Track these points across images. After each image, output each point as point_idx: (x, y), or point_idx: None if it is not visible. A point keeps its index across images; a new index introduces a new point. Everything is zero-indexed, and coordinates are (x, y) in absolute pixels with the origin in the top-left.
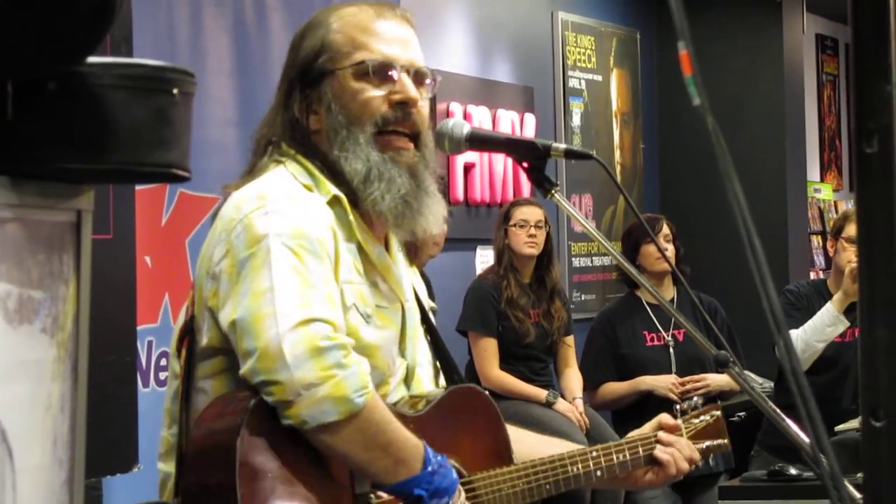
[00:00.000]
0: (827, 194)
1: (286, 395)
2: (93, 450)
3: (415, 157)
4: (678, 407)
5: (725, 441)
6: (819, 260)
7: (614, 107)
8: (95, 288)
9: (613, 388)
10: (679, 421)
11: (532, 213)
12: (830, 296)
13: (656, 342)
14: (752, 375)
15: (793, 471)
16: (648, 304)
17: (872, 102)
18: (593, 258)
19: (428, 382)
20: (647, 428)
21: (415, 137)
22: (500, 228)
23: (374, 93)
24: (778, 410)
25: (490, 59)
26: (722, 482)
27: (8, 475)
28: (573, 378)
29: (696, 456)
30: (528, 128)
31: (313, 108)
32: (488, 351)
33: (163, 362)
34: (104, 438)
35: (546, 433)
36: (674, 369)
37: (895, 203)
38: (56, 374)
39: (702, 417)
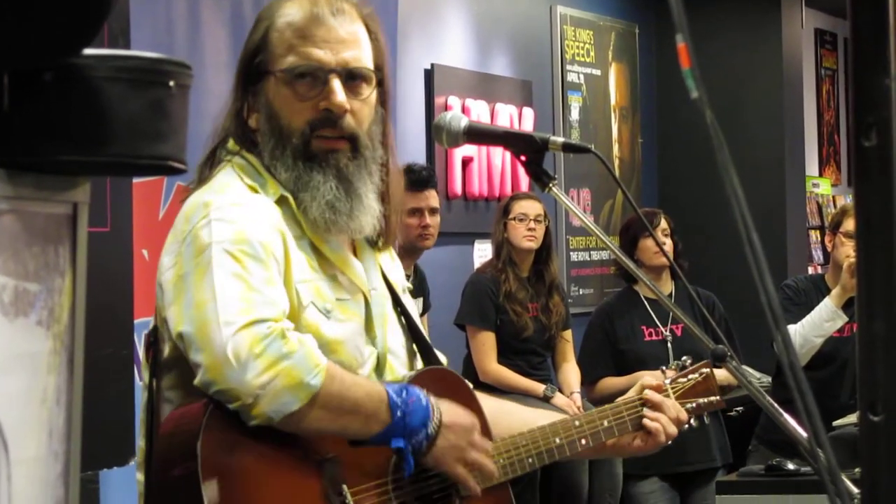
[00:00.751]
0: (825, 189)
1: (244, 398)
2: (89, 443)
3: (345, 159)
4: (664, 368)
5: (717, 398)
6: (817, 255)
7: (613, 101)
8: (92, 281)
9: (611, 383)
10: (665, 381)
11: (531, 207)
12: (829, 290)
13: (654, 337)
14: (751, 370)
15: (791, 465)
16: (646, 298)
17: (871, 96)
18: (591, 252)
19: (402, 369)
20: (631, 392)
21: (351, 139)
22: (500, 222)
23: (302, 101)
24: (775, 405)
25: (489, 54)
26: (720, 477)
27: (3, 467)
28: (571, 372)
29: (683, 416)
30: (526, 122)
31: (253, 107)
32: (486, 345)
33: None
34: (101, 431)
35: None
36: (672, 364)
37: (893, 197)
38: (52, 367)
39: (690, 376)
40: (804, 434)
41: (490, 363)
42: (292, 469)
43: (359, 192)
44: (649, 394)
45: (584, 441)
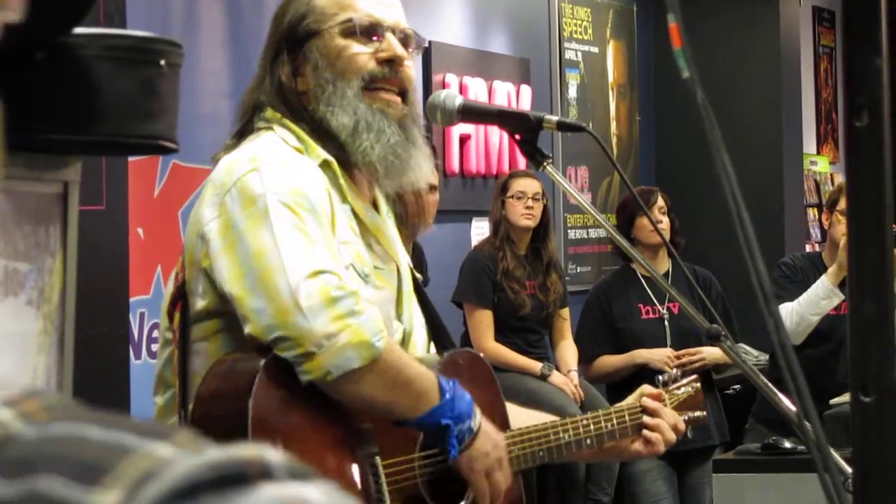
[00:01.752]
0: (823, 167)
1: (307, 346)
2: None
3: (403, 111)
4: (659, 378)
5: (703, 413)
6: (815, 233)
7: (610, 79)
8: (87, 259)
9: (609, 362)
10: (661, 390)
11: (529, 185)
12: (825, 268)
13: (651, 315)
14: (748, 348)
15: (787, 444)
16: (643, 276)
17: (862, 76)
18: (589, 230)
19: (422, 348)
20: (631, 399)
21: (402, 94)
22: (497, 200)
23: (361, 49)
24: (769, 384)
25: (486, 31)
26: (717, 455)
27: None
28: (568, 350)
29: (681, 425)
30: (524, 100)
31: (300, 69)
32: (483, 322)
33: (154, 334)
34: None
35: (541, 406)
36: (669, 342)
37: (885, 177)
38: (42, 347)
39: (683, 389)
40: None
41: (487, 341)
42: (331, 435)
43: (417, 142)
44: (647, 401)
45: (588, 441)
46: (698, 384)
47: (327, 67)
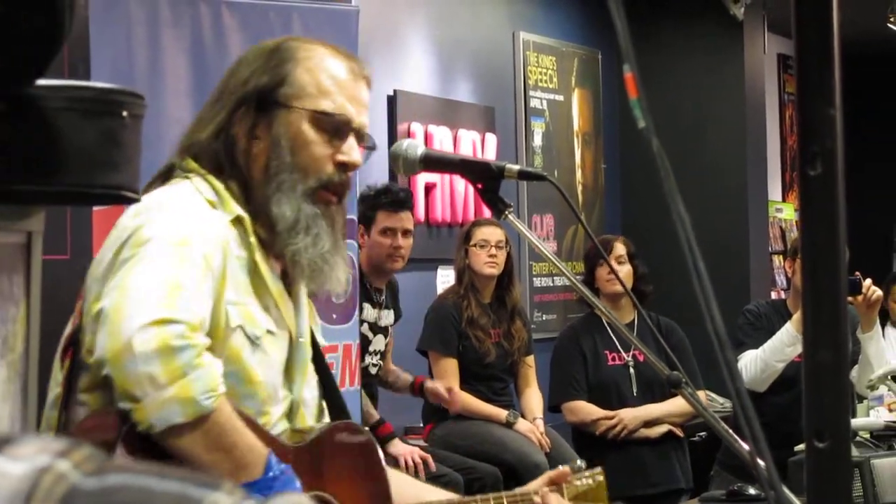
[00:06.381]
0: (789, 214)
1: (134, 391)
2: None
3: (337, 213)
4: (578, 463)
5: None
6: (780, 280)
7: (576, 126)
8: (52, 308)
9: (587, 409)
10: (568, 468)
11: (493, 234)
12: (790, 315)
13: (617, 362)
14: (714, 396)
15: (752, 490)
16: (609, 324)
17: (815, 125)
18: (554, 278)
19: (311, 421)
20: (534, 484)
21: (340, 196)
22: (461, 248)
23: (325, 149)
24: (730, 431)
25: (451, 79)
26: (682, 502)
27: None
28: (533, 398)
29: None
30: (489, 148)
31: (257, 132)
32: (448, 371)
33: None
34: None
35: (506, 453)
36: (635, 389)
37: (838, 225)
38: (6, 395)
39: (584, 480)
40: (761, 462)
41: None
42: None
43: (341, 249)
44: (544, 495)
45: None
46: (601, 477)
47: (288, 153)
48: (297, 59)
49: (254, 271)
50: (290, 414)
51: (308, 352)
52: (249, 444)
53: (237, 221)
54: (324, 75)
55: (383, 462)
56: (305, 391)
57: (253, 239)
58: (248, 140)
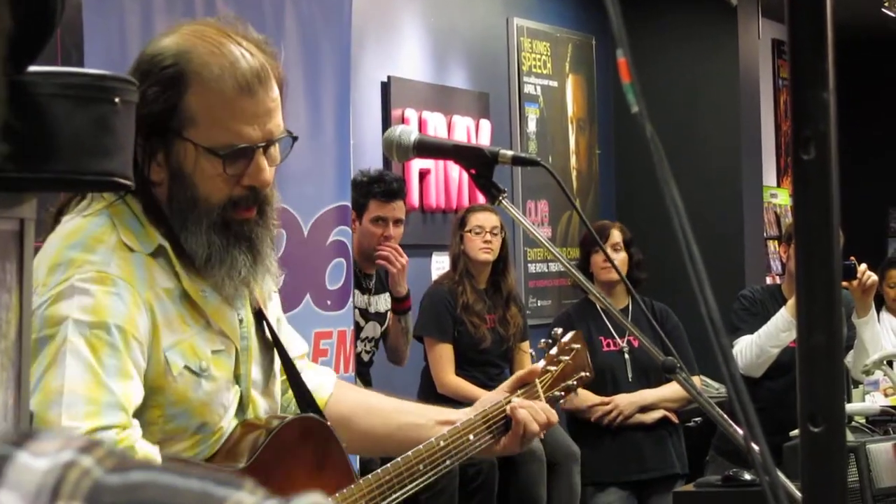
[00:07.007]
0: (783, 199)
1: None
2: None
3: (255, 226)
4: (543, 341)
5: (588, 374)
6: (775, 265)
7: (570, 112)
8: None
9: (584, 395)
10: (538, 365)
11: (487, 220)
12: (785, 301)
13: (612, 348)
14: (709, 381)
15: (747, 476)
16: (603, 310)
17: (809, 109)
18: (549, 264)
19: (261, 400)
20: (503, 388)
21: (260, 206)
22: (456, 234)
23: (227, 179)
24: (725, 416)
25: (445, 66)
26: (677, 488)
27: None
28: None
29: (553, 418)
30: (483, 134)
31: (155, 157)
32: (444, 357)
33: None
34: None
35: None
36: (630, 375)
37: (832, 210)
38: None
39: (561, 357)
40: (756, 446)
41: (448, 375)
42: None
43: (265, 259)
44: (516, 404)
45: (448, 462)
46: (578, 344)
47: (189, 187)
48: (187, 83)
49: (185, 297)
50: (242, 406)
51: (251, 332)
52: None
53: (159, 251)
54: (216, 102)
55: (339, 442)
56: (254, 372)
57: (178, 266)
58: (150, 165)
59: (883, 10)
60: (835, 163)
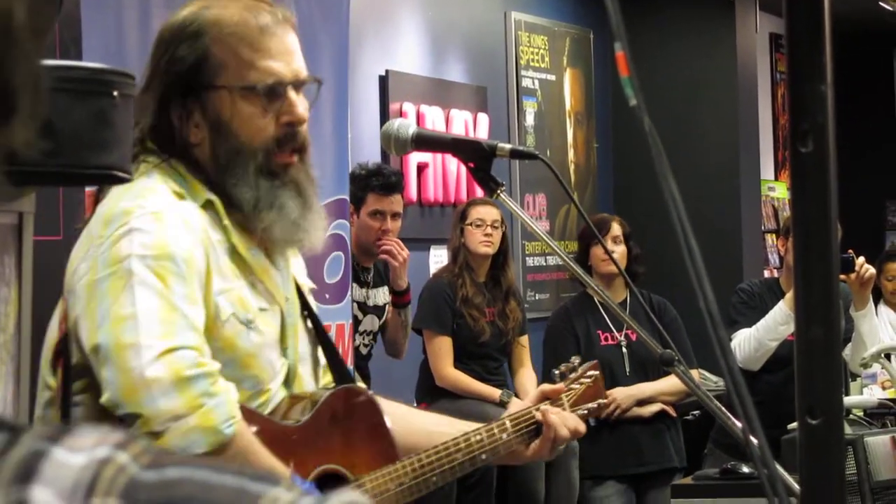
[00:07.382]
0: (781, 193)
1: (153, 426)
2: None
3: (299, 171)
4: (555, 371)
5: (604, 400)
6: (773, 258)
7: (568, 106)
8: (46, 289)
9: None
10: (561, 384)
11: (488, 213)
12: (783, 294)
13: (610, 342)
14: (707, 374)
15: (745, 469)
16: (601, 303)
17: (807, 102)
18: (547, 258)
19: (309, 378)
20: (528, 401)
21: (300, 151)
22: (456, 227)
23: (265, 117)
24: (723, 408)
25: (443, 60)
26: (676, 480)
27: None
28: (527, 378)
29: (582, 428)
30: (481, 128)
31: (193, 118)
32: (443, 349)
33: None
34: None
35: None
36: (627, 369)
37: (830, 202)
38: None
39: (582, 380)
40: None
41: (446, 368)
42: None
43: (313, 205)
44: (546, 410)
45: (484, 456)
46: (597, 372)
47: (230, 135)
48: (206, 33)
49: (234, 252)
50: (289, 379)
51: (296, 310)
52: (270, 466)
53: (208, 205)
54: (240, 45)
55: (385, 419)
56: (301, 349)
57: (226, 221)
58: (188, 127)
59: (880, 3)
60: (833, 156)
